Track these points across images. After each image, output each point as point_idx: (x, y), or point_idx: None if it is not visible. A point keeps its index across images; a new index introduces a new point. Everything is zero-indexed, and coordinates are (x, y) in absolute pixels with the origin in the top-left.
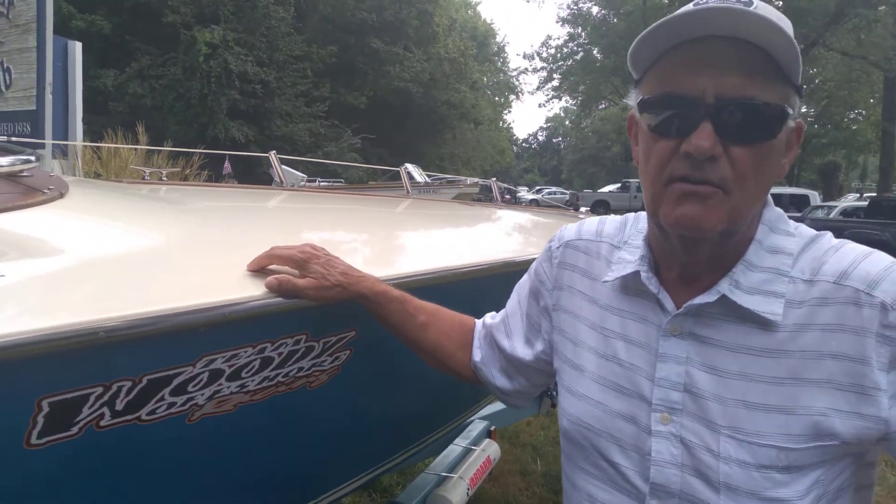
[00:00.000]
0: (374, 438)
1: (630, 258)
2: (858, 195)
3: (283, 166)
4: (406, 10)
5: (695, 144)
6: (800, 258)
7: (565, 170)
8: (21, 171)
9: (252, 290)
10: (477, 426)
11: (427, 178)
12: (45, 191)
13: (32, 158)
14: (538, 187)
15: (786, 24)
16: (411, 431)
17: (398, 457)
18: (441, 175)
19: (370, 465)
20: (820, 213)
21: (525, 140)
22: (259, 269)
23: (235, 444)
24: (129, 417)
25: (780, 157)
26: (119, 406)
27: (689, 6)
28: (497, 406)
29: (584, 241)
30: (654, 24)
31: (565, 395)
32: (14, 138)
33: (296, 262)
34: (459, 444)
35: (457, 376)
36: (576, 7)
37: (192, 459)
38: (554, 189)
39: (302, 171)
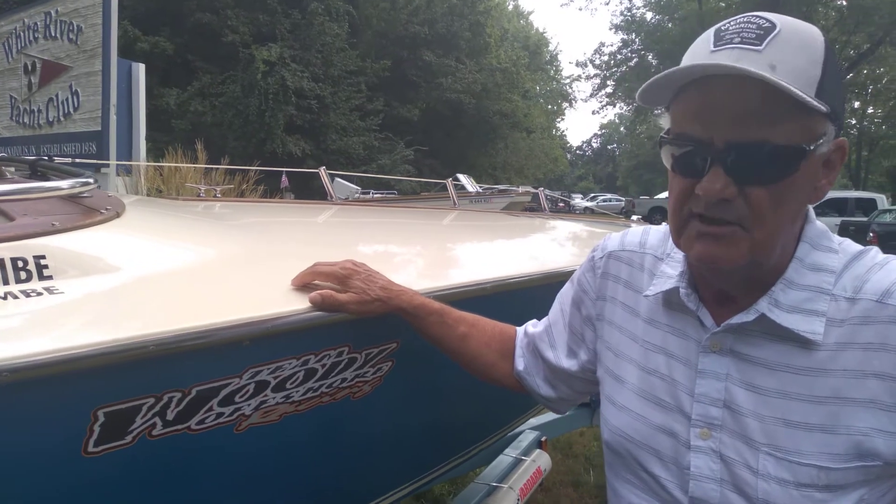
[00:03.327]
0: (418, 448)
1: (672, 272)
2: None
3: (339, 179)
4: (458, 23)
5: (705, 188)
6: (842, 275)
7: (620, 176)
8: (81, 192)
9: (295, 305)
10: (527, 437)
11: (479, 188)
12: (103, 211)
13: (91, 181)
14: (593, 194)
15: (805, 57)
16: (456, 441)
17: (444, 467)
18: (492, 186)
19: (416, 475)
20: (888, 217)
21: (579, 147)
22: (303, 285)
23: (281, 452)
24: (179, 427)
25: (812, 183)
26: (170, 416)
27: (707, 47)
28: (548, 416)
29: (628, 252)
30: (665, 73)
31: (607, 406)
32: (78, 159)
33: (337, 278)
34: (510, 454)
35: (500, 385)
36: (629, 14)
37: (239, 467)
38: (609, 196)
39: (356, 184)
